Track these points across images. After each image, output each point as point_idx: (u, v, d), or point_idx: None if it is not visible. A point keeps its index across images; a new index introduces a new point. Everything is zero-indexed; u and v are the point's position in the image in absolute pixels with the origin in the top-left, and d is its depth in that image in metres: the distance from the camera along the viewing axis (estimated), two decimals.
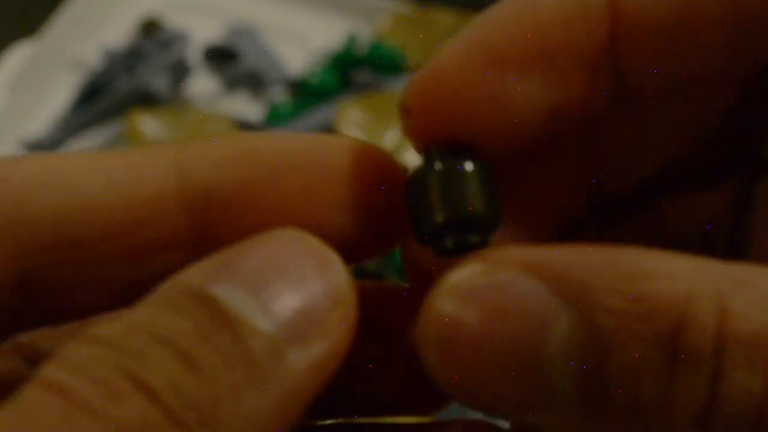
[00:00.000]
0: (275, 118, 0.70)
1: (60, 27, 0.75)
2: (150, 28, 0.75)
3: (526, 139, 0.18)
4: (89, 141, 0.71)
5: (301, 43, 0.77)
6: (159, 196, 0.16)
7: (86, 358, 0.14)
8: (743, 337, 0.15)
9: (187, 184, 0.17)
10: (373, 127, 0.67)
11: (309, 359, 0.15)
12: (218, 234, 0.17)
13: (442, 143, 0.17)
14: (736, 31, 0.17)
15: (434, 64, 0.17)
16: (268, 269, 0.15)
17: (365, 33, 0.75)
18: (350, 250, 0.17)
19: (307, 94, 0.71)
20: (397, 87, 0.70)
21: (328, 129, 0.67)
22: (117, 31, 0.76)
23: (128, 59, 0.72)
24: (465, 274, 0.16)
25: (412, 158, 0.65)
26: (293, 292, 0.15)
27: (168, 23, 0.76)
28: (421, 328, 0.16)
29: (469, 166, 0.17)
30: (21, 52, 0.74)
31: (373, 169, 0.17)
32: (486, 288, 0.16)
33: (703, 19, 0.17)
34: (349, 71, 0.72)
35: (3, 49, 0.74)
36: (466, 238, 0.17)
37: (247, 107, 0.73)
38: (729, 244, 0.20)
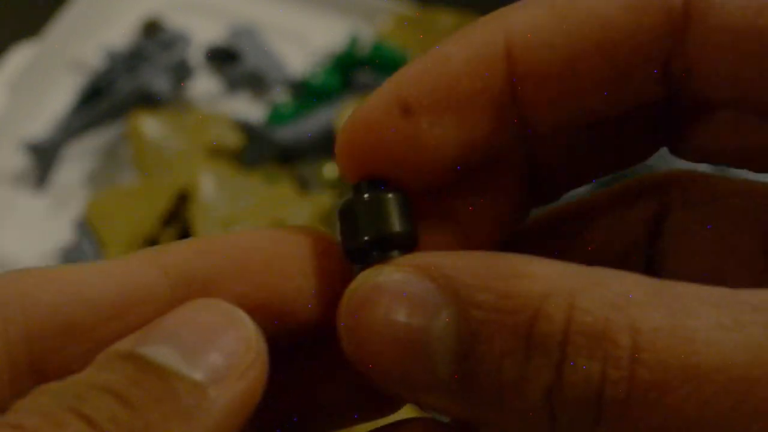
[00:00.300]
0: (276, 119, 0.70)
1: (61, 28, 0.75)
2: (151, 29, 0.75)
3: (442, 170, 0.21)
4: (90, 142, 0.71)
5: (303, 43, 0.77)
6: (145, 284, 0.20)
7: (36, 403, 0.17)
8: (585, 329, 0.17)
9: (170, 274, 0.20)
10: None
11: (228, 396, 0.18)
12: None
13: (368, 178, 0.21)
14: (614, 80, 0.20)
15: (358, 113, 0.21)
16: (186, 328, 0.19)
17: (366, 33, 0.75)
18: (303, 318, 0.21)
19: (309, 95, 0.71)
20: None
21: (330, 129, 0.67)
22: (118, 32, 0.76)
23: (129, 60, 0.72)
24: (371, 273, 0.20)
25: None
26: (209, 343, 0.19)
27: (169, 24, 0.76)
28: (338, 320, 0.20)
29: (389, 195, 0.21)
30: (22, 53, 0.74)
31: (314, 253, 0.21)
32: (386, 284, 0.19)
33: (583, 68, 0.20)
34: (351, 72, 0.72)
35: (4, 50, 0.74)
36: (387, 254, 0.20)
37: (248, 108, 0.73)
38: (646, 270, 0.24)
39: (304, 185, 0.68)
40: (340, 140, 0.21)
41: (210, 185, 0.65)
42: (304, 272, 0.21)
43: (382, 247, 0.21)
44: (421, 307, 0.19)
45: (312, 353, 0.22)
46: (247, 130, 0.67)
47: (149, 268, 0.20)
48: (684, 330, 0.17)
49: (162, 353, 0.18)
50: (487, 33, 0.21)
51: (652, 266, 0.24)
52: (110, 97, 0.70)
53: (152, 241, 0.63)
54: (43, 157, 0.68)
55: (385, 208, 0.21)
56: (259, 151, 0.68)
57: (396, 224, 0.21)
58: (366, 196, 0.21)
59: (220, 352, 0.19)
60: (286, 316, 0.21)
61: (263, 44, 0.75)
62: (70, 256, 0.63)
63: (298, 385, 0.22)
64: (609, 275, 0.18)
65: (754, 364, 0.16)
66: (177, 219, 0.64)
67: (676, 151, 0.24)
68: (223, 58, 0.74)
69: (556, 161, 0.23)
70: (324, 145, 0.68)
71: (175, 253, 0.21)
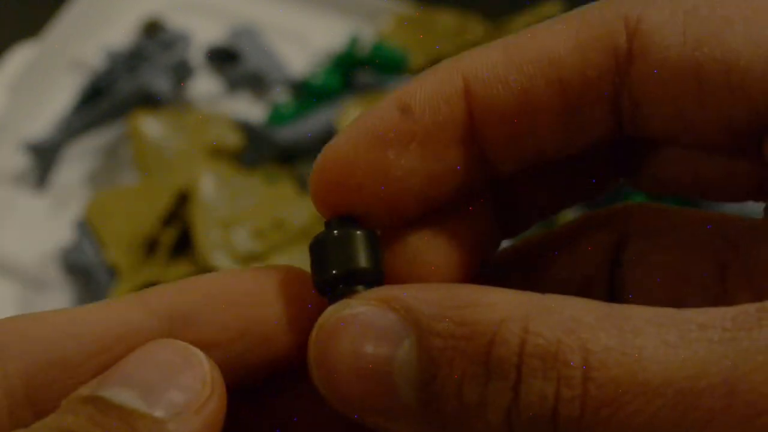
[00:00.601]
0: (277, 119, 0.70)
1: (62, 28, 0.75)
2: (152, 29, 0.75)
3: (410, 202, 0.22)
4: (90, 142, 0.71)
5: (303, 43, 0.77)
6: (130, 321, 0.21)
7: None
8: (538, 351, 0.18)
9: (154, 311, 0.22)
10: None
11: (188, 430, 0.19)
12: (185, 339, 0.22)
13: (339, 213, 0.22)
14: (567, 116, 0.22)
15: (327, 150, 0.23)
16: (144, 368, 0.20)
17: (367, 33, 0.75)
18: (282, 356, 0.22)
19: (309, 95, 0.71)
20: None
21: (330, 129, 0.67)
22: (119, 32, 0.76)
23: (130, 60, 0.72)
24: (337, 307, 0.21)
25: None
26: (166, 381, 0.20)
27: (170, 24, 0.76)
28: (308, 353, 0.21)
29: (357, 232, 0.22)
30: (23, 53, 0.74)
31: (290, 287, 0.22)
32: (350, 317, 0.20)
33: (536, 103, 0.21)
34: (351, 72, 0.72)
35: (5, 50, 0.74)
36: (354, 288, 0.22)
37: (248, 108, 0.73)
38: (608, 298, 0.25)
39: (304, 185, 0.68)
40: (312, 178, 0.23)
41: (210, 185, 0.65)
42: (281, 305, 0.22)
43: (348, 282, 0.22)
44: (384, 339, 0.20)
45: (289, 385, 0.23)
46: (247, 130, 0.67)
47: (134, 306, 0.22)
48: (632, 349, 0.18)
49: (122, 394, 0.19)
50: (446, 72, 0.22)
51: (613, 295, 0.25)
52: (110, 97, 0.70)
53: (152, 241, 0.63)
54: (43, 157, 0.68)
55: (352, 244, 0.22)
56: (259, 151, 0.68)
57: (362, 260, 0.22)
58: (335, 232, 0.22)
59: (178, 389, 0.20)
60: (263, 346, 0.22)
61: (263, 44, 0.75)
62: (70, 256, 0.63)
63: (276, 418, 0.23)
64: (561, 301, 0.19)
65: (700, 377, 0.17)
66: (177, 219, 0.64)
67: (633, 184, 0.25)
68: (223, 58, 0.74)
69: (520, 196, 0.25)
70: (324, 146, 0.68)
71: (159, 292, 0.22)
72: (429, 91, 0.22)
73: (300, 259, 0.63)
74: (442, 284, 0.21)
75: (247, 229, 0.64)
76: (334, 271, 0.22)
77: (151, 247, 0.63)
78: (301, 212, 0.65)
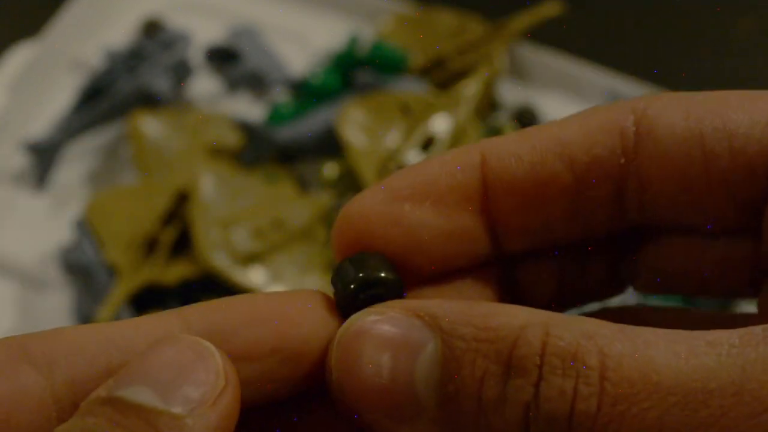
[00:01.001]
0: (277, 119, 0.70)
1: (61, 28, 0.75)
2: (151, 29, 0.75)
3: (423, 258, 0.24)
4: (90, 142, 0.71)
5: (303, 43, 0.77)
6: (170, 331, 0.22)
7: None
8: (559, 352, 0.19)
9: (192, 326, 0.22)
10: (375, 128, 0.67)
11: (205, 423, 0.20)
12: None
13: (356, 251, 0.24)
14: (575, 194, 0.23)
15: (351, 202, 0.24)
16: (159, 366, 0.20)
17: (367, 33, 0.75)
18: (309, 372, 0.23)
19: (309, 95, 0.71)
20: (399, 87, 0.70)
21: (330, 129, 0.67)
22: (118, 32, 0.76)
23: (130, 60, 0.72)
24: (362, 315, 0.22)
25: (411, 158, 0.65)
26: (181, 377, 0.20)
27: (169, 24, 0.76)
28: (328, 356, 0.22)
29: (375, 253, 0.23)
30: (22, 53, 0.74)
31: (319, 307, 0.23)
32: (375, 322, 0.21)
33: (546, 178, 0.23)
34: (351, 72, 0.72)
35: (4, 50, 0.74)
36: (373, 295, 0.23)
37: (248, 108, 0.73)
38: None
39: (304, 185, 0.68)
40: (336, 225, 0.24)
41: (210, 185, 0.65)
42: (310, 325, 0.23)
43: (368, 291, 0.23)
44: (407, 343, 0.21)
45: (312, 402, 0.24)
46: (247, 129, 0.67)
47: (173, 320, 0.22)
48: (645, 355, 0.19)
49: (138, 393, 0.20)
50: (465, 149, 0.24)
51: None
52: (110, 97, 0.70)
53: (152, 241, 0.63)
54: (43, 157, 0.68)
55: (371, 260, 0.23)
56: (259, 151, 0.68)
57: (381, 271, 0.23)
58: (354, 256, 0.24)
59: (193, 384, 0.20)
60: (292, 364, 0.23)
61: (263, 44, 0.75)
62: (70, 256, 0.63)
63: (299, 428, 0.24)
64: (576, 317, 0.21)
65: (710, 379, 0.19)
66: (177, 219, 0.64)
67: (636, 286, 0.27)
68: (223, 58, 0.74)
69: (528, 280, 0.26)
70: (324, 145, 0.68)
71: (197, 309, 0.23)
72: (448, 161, 0.24)
73: (300, 258, 0.63)
74: (462, 300, 0.23)
75: (247, 228, 0.64)
76: (353, 285, 0.23)
77: (150, 246, 0.63)
78: (301, 212, 0.65)
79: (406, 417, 0.21)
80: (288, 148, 0.68)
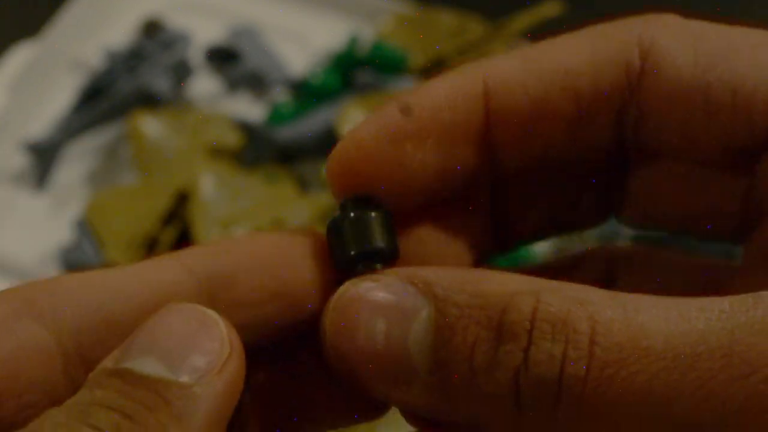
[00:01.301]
0: (277, 119, 0.70)
1: (61, 27, 0.75)
2: (151, 29, 0.75)
3: (422, 193, 0.24)
4: (90, 142, 0.71)
5: (303, 43, 0.77)
6: (173, 282, 0.22)
7: (50, 418, 0.19)
8: (549, 317, 0.20)
9: (194, 272, 0.22)
10: None
11: (213, 391, 0.20)
12: (222, 303, 0.23)
13: (354, 196, 0.23)
14: (577, 123, 0.23)
15: (349, 136, 0.23)
16: (164, 336, 0.20)
17: (367, 33, 0.75)
18: (309, 317, 0.23)
19: (309, 95, 0.71)
20: (399, 87, 0.70)
21: (330, 129, 0.67)
22: (118, 32, 0.76)
23: (130, 60, 0.72)
24: (354, 282, 0.22)
25: None
26: (187, 347, 0.20)
27: (169, 24, 0.76)
28: (323, 319, 0.22)
29: (373, 213, 0.23)
30: (22, 53, 0.74)
31: (316, 249, 0.23)
32: (367, 291, 0.22)
33: (549, 108, 0.23)
34: (351, 72, 0.72)
35: (4, 50, 0.74)
36: (371, 265, 0.23)
37: (248, 108, 0.73)
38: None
39: (304, 185, 0.68)
40: (331, 160, 0.24)
41: (210, 185, 0.65)
42: (311, 268, 0.23)
43: (366, 260, 0.23)
44: (402, 310, 0.21)
45: (311, 353, 0.24)
46: (247, 129, 0.67)
47: (176, 267, 0.22)
48: (635, 321, 0.19)
49: (146, 364, 0.20)
50: (467, 75, 0.23)
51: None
52: (110, 97, 0.70)
53: (152, 241, 0.63)
54: (43, 157, 0.68)
55: (369, 224, 0.23)
56: (259, 151, 0.68)
57: (379, 240, 0.23)
58: (352, 214, 0.23)
59: (199, 353, 0.20)
60: (293, 307, 0.23)
61: (263, 44, 0.75)
62: (70, 256, 0.63)
63: (298, 385, 0.24)
64: (567, 284, 0.21)
65: (698, 344, 0.19)
66: (177, 219, 0.64)
67: (621, 218, 0.27)
68: (223, 58, 0.74)
69: (518, 206, 0.26)
70: (324, 145, 0.68)
71: (197, 254, 0.23)
72: (449, 92, 0.23)
73: None
74: (455, 267, 0.23)
75: (247, 228, 0.64)
76: (352, 251, 0.23)
77: (150, 246, 0.63)
78: (300, 212, 0.65)
79: (399, 381, 0.21)
80: (288, 148, 0.68)
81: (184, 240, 0.63)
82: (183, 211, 0.64)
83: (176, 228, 0.63)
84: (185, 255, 0.23)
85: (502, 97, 0.23)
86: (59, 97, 0.72)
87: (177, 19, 0.76)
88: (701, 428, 0.19)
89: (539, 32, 0.75)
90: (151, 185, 0.66)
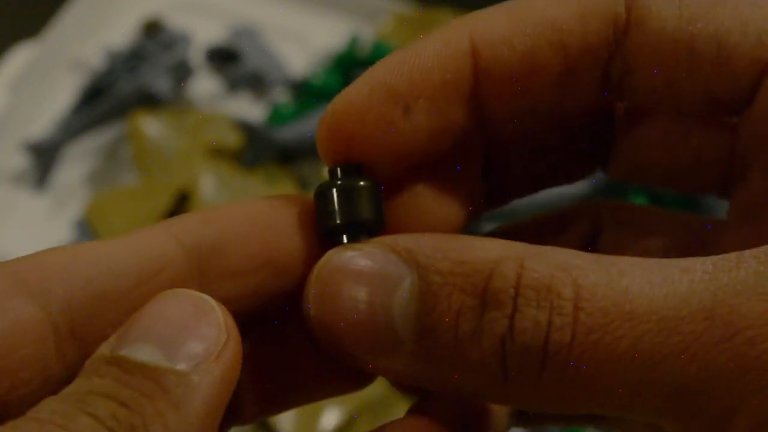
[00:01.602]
0: (277, 119, 0.70)
1: (62, 28, 0.75)
2: (152, 29, 0.75)
3: (414, 155, 0.23)
4: (90, 142, 0.71)
5: (303, 43, 0.77)
6: (163, 253, 0.22)
7: (47, 406, 0.19)
8: (533, 284, 0.20)
9: (182, 241, 0.22)
10: None
11: (210, 378, 0.20)
12: (212, 273, 0.22)
13: (344, 162, 0.23)
14: (564, 78, 0.23)
15: (339, 100, 0.23)
16: (161, 322, 0.20)
17: (367, 33, 0.75)
18: (296, 284, 0.23)
19: (309, 95, 0.71)
20: None
21: None
22: (119, 32, 0.76)
23: (130, 60, 0.72)
24: (339, 250, 0.22)
25: None
26: (184, 334, 0.20)
27: (170, 24, 0.76)
28: (306, 288, 0.22)
29: (361, 183, 0.23)
30: (23, 53, 0.74)
31: (303, 216, 0.23)
32: (353, 258, 0.21)
33: (537, 64, 0.23)
34: (351, 72, 0.72)
35: (5, 50, 0.74)
36: (356, 235, 0.23)
37: (248, 108, 0.73)
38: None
39: (304, 185, 0.68)
40: (321, 125, 0.23)
41: (210, 185, 0.65)
42: (299, 236, 0.23)
43: (351, 231, 0.23)
44: (385, 277, 0.21)
45: (296, 322, 0.24)
46: (247, 130, 0.67)
47: (164, 237, 0.22)
48: (619, 285, 0.19)
49: (142, 351, 0.20)
50: (454, 33, 0.23)
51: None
52: (110, 97, 0.70)
53: None
54: (43, 157, 0.68)
55: (356, 195, 0.23)
56: (259, 151, 0.68)
57: (365, 211, 0.23)
58: (340, 182, 0.23)
59: (195, 339, 0.20)
60: (282, 275, 0.23)
61: (263, 44, 0.75)
62: None
63: (284, 355, 0.24)
64: (551, 249, 0.21)
65: (681, 307, 0.19)
66: None
67: (608, 172, 0.27)
68: (223, 58, 0.74)
69: (508, 163, 0.26)
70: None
71: (185, 223, 0.23)
72: (438, 52, 0.23)
73: None
74: (438, 233, 0.22)
75: None
76: (338, 221, 0.23)
77: None
78: None
79: (384, 350, 0.21)
80: (288, 148, 0.68)
81: None
82: (183, 211, 0.64)
83: None
84: (174, 224, 0.23)
85: (490, 54, 0.23)
86: (59, 97, 0.72)
87: (177, 19, 0.76)
88: (686, 391, 0.19)
89: None
90: (151, 185, 0.66)
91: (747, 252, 0.19)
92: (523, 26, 0.23)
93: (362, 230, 0.23)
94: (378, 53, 0.72)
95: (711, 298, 0.19)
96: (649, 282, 0.19)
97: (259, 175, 0.67)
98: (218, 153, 0.68)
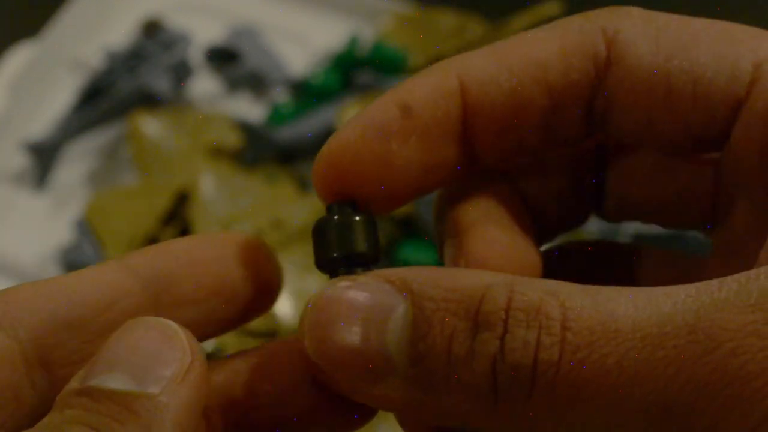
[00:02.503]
0: (277, 119, 0.70)
1: (61, 28, 0.75)
2: (151, 29, 0.75)
3: (406, 191, 0.25)
4: (90, 142, 0.71)
5: (303, 43, 0.77)
6: (121, 284, 0.23)
7: None
8: (523, 306, 0.20)
9: (138, 273, 0.24)
10: None
11: (178, 399, 0.21)
12: (166, 301, 0.24)
13: (340, 199, 0.24)
14: (550, 115, 0.24)
15: (334, 139, 0.24)
16: (128, 351, 0.21)
17: (367, 33, 0.75)
18: (242, 311, 0.25)
19: (309, 95, 0.71)
20: None
21: (330, 129, 0.67)
22: (118, 32, 0.76)
23: (130, 60, 0.72)
24: (334, 281, 0.23)
25: None
26: (151, 359, 0.21)
27: (169, 24, 0.76)
28: (300, 327, 0.23)
29: (356, 218, 0.24)
30: (22, 53, 0.74)
31: (250, 251, 0.25)
32: (349, 286, 0.22)
33: (523, 101, 0.24)
34: (351, 72, 0.72)
35: (4, 50, 0.74)
36: (352, 269, 0.23)
37: (248, 108, 0.73)
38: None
39: (304, 185, 0.68)
40: (317, 163, 0.25)
41: (210, 185, 0.65)
42: (244, 267, 0.25)
43: (347, 264, 0.24)
44: (377, 305, 0.22)
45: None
46: (247, 130, 0.67)
47: (122, 270, 0.24)
48: (605, 307, 0.20)
49: (111, 379, 0.21)
50: (443, 72, 0.25)
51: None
52: (110, 97, 0.70)
53: (152, 241, 0.63)
54: (43, 157, 0.68)
55: (352, 229, 0.24)
56: (259, 151, 0.68)
57: (360, 244, 0.24)
58: (336, 217, 0.24)
59: (162, 364, 0.21)
60: (230, 303, 0.24)
61: (263, 44, 0.75)
62: (70, 256, 0.63)
63: (275, 386, 0.25)
64: (539, 279, 0.22)
65: (664, 323, 0.19)
66: (177, 218, 0.64)
67: (602, 214, 0.27)
68: (223, 58, 0.74)
69: None
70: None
71: (139, 257, 0.24)
72: (428, 90, 0.24)
73: (299, 258, 0.63)
74: (429, 266, 0.23)
75: (247, 228, 0.63)
76: (334, 254, 0.24)
77: None
78: (300, 212, 0.65)
79: (378, 377, 0.22)
80: (288, 148, 0.68)
81: None
82: (183, 211, 0.64)
83: (176, 228, 0.63)
84: (130, 257, 0.24)
85: (478, 94, 0.24)
86: (59, 97, 0.72)
87: (177, 19, 0.76)
88: (671, 406, 0.19)
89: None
90: (151, 185, 0.66)
91: (729, 277, 0.20)
92: (509, 65, 0.24)
93: (358, 263, 0.24)
94: (378, 53, 0.72)
95: (693, 315, 0.19)
96: (634, 304, 0.20)
97: (259, 175, 0.67)
98: (218, 153, 0.68)
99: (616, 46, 0.23)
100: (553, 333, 0.20)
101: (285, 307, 0.60)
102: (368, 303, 0.22)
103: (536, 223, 0.27)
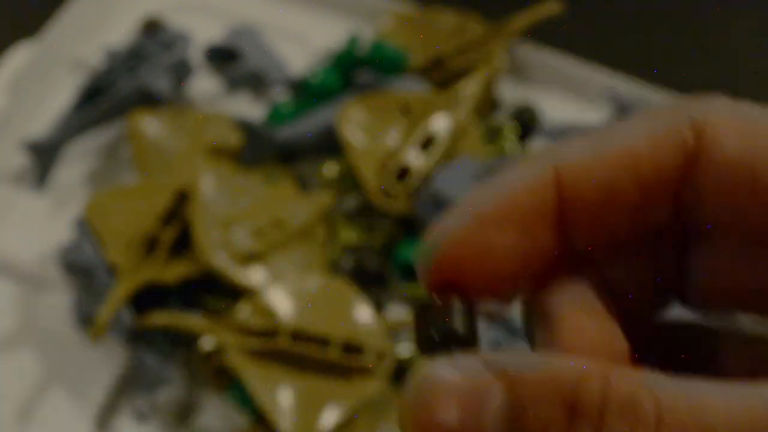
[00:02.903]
0: (277, 119, 0.70)
1: (61, 27, 0.75)
2: (151, 29, 0.75)
3: (507, 276, 0.26)
4: (90, 142, 0.71)
5: (303, 43, 0.77)
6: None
7: None
8: (618, 398, 0.21)
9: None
10: (375, 127, 0.67)
11: None
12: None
13: (444, 291, 0.25)
14: (640, 204, 0.25)
15: (438, 232, 0.25)
16: None
17: (367, 33, 0.75)
18: None
19: (309, 95, 0.71)
20: (399, 87, 0.70)
21: (330, 129, 0.67)
22: (118, 32, 0.77)
23: (130, 60, 0.72)
24: (434, 362, 0.23)
25: (411, 158, 0.65)
26: None
27: (169, 24, 0.76)
28: (401, 401, 0.23)
29: (458, 302, 0.25)
30: (22, 53, 0.74)
31: None
32: (448, 368, 0.23)
33: (617, 193, 0.25)
34: (351, 71, 0.72)
35: (4, 50, 0.74)
36: (451, 351, 0.25)
37: (248, 107, 0.73)
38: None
39: (304, 185, 0.68)
40: (425, 258, 0.26)
41: (210, 185, 0.65)
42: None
43: (447, 348, 0.25)
44: (474, 387, 0.23)
45: None
46: (247, 129, 0.67)
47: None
48: (698, 402, 0.21)
49: None
50: (540, 164, 0.25)
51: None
52: (110, 97, 0.70)
53: (152, 240, 0.63)
54: (43, 157, 0.68)
55: (453, 313, 0.25)
56: (259, 151, 0.68)
57: (460, 328, 0.25)
58: (437, 302, 0.25)
59: None
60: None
61: (263, 44, 0.75)
62: (70, 255, 0.63)
63: None
64: (631, 368, 0.22)
65: (760, 419, 0.20)
66: (177, 218, 0.64)
67: (686, 302, 0.28)
68: (223, 57, 0.74)
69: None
70: (324, 145, 0.68)
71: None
72: (525, 179, 0.25)
73: (299, 258, 0.63)
74: (527, 352, 0.24)
75: (247, 228, 0.64)
76: (436, 339, 0.25)
77: (150, 246, 0.63)
78: (300, 211, 0.65)
79: None
80: (288, 148, 0.68)
81: (184, 240, 0.63)
82: (183, 211, 0.64)
83: (176, 228, 0.63)
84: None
85: (573, 185, 0.25)
86: (59, 97, 0.73)
87: (177, 19, 0.76)
88: None
89: (539, 32, 0.75)
90: (151, 185, 0.66)
91: None
92: (605, 157, 0.25)
93: (457, 347, 0.25)
94: (378, 53, 0.72)
95: None
96: (726, 399, 0.21)
97: (259, 174, 0.67)
98: (218, 153, 0.68)
99: (704, 138, 0.24)
100: (647, 424, 0.21)
101: (285, 307, 0.60)
102: (466, 386, 0.23)
103: (620, 309, 0.27)
